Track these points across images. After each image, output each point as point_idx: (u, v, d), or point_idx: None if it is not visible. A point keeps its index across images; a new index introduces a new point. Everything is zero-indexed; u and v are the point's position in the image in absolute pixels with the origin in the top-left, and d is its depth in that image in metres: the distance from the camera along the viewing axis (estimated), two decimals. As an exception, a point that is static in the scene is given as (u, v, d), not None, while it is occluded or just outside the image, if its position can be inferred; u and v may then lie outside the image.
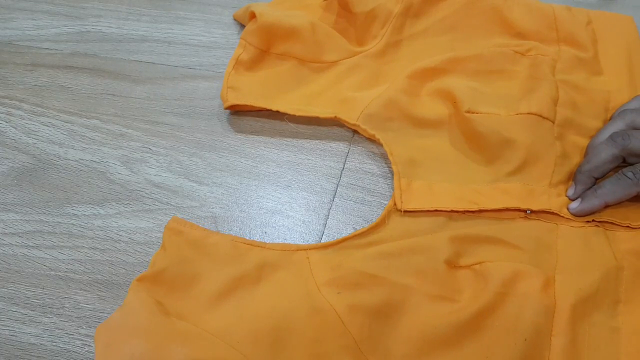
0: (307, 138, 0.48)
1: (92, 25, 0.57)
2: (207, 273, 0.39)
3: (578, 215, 0.41)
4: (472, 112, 0.45)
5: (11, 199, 0.45)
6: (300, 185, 0.46)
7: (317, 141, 0.48)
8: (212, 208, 0.44)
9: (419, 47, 0.52)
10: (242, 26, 0.56)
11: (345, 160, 0.47)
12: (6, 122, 0.50)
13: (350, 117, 0.47)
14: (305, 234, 0.43)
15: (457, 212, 0.42)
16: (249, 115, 0.50)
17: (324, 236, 0.43)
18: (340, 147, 0.48)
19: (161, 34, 0.56)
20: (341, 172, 0.46)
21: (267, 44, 0.51)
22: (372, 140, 0.47)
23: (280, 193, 0.45)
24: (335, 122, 0.48)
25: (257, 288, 0.38)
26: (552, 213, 0.41)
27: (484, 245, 0.40)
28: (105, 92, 0.52)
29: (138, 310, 0.36)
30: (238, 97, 0.49)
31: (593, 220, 0.41)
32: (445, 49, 0.51)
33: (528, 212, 0.41)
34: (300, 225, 0.44)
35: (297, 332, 0.36)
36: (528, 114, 0.45)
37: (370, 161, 0.47)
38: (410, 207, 0.42)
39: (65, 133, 0.49)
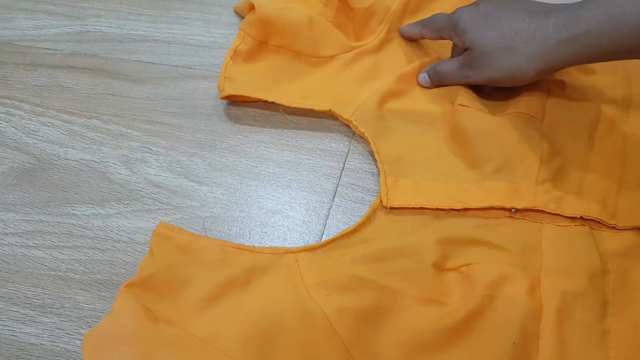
0: (307, 138, 0.48)
1: (92, 25, 0.57)
2: (195, 278, 0.39)
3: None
4: (464, 106, 0.46)
5: (11, 199, 0.45)
6: (300, 185, 0.46)
7: (317, 141, 0.48)
8: (212, 208, 0.44)
9: (416, 44, 0.52)
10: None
11: (345, 160, 0.47)
12: (6, 122, 0.50)
13: (344, 112, 0.47)
14: (305, 234, 0.43)
15: (442, 210, 0.42)
16: (249, 115, 0.50)
17: (324, 236, 0.43)
18: (340, 147, 0.48)
19: (161, 34, 0.56)
20: (341, 172, 0.46)
21: (265, 35, 0.51)
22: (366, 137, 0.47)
23: (280, 193, 0.45)
24: (331, 117, 0.49)
25: (246, 292, 0.38)
26: (538, 211, 0.41)
27: (470, 247, 0.40)
28: (105, 92, 0.52)
29: (126, 316, 0.36)
30: (234, 87, 0.49)
31: (581, 218, 0.41)
32: (442, 47, 0.52)
33: (512, 210, 0.41)
34: (300, 225, 0.44)
35: (287, 335, 0.36)
36: (516, 112, 0.45)
37: (370, 161, 0.47)
38: (396, 204, 0.42)
39: (65, 133, 0.49)
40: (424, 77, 0.49)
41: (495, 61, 0.44)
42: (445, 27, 0.47)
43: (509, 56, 0.43)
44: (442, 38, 0.49)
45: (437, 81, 0.48)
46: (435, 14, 0.49)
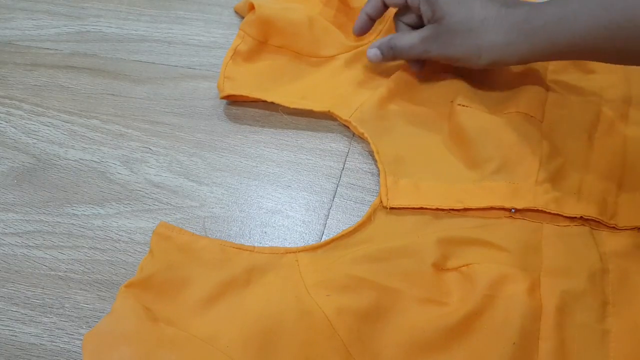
0: (307, 138, 0.48)
1: (92, 25, 0.57)
2: (195, 278, 0.39)
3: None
4: (464, 106, 0.46)
5: (11, 199, 0.45)
6: (300, 185, 0.46)
7: (317, 141, 0.48)
8: (212, 208, 0.44)
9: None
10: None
11: (345, 160, 0.47)
12: (6, 122, 0.50)
13: (343, 113, 0.47)
14: (305, 234, 0.43)
15: (442, 210, 0.42)
16: (249, 115, 0.50)
17: (324, 236, 0.43)
18: (340, 147, 0.48)
19: (161, 34, 0.56)
20: (341, 172, 0.46)
21: (265, 35, 0.51)
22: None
23: (280, 193, 0.45)
24: (331, 117, 0.49)
25: (246, 292, 0.38)
26: (538, 211, 0.41)
27: (470, 247, 0.40)
28: (105, 92, 0.52)
29: (126, 316, 0.36)
30: (234, 87, 0.49)
31: (581, 218, 0.41)
32: None
33: (512, 211, 0.41)
34: (300, 225, 0.44)
35: (287, 335, 0.36)
36: (516, 112, 0.45)
37: (370, 161, 0.47)
38: (396, 204, 0.42)
39: (65, 133, 0.49)
40: (374, 52, 0.47)
41: (459, 41, 0.44)
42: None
43: (472, 39, 0.43)
44: (405, 3, 0.47)
45: (392, 56, 0.47)
46: None
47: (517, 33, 0.41)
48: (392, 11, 0.51)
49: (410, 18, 0.48)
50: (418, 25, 0.48)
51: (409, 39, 0.46)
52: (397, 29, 0.49)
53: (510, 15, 0.42)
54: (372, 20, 0.50)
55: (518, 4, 0.43)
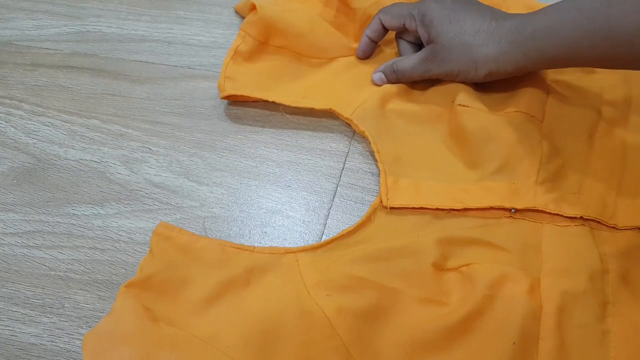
0: (307, 138, 0.48)
1: (92, 25, 0.57)
2: (195, 278, 0.39)
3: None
4: (464, 106, 0.46)
5: (11, 199, 0.45)
6: (300, 185, 0.46)
7: (317, 141, 0.48)
8: (212, 208, 0.44)
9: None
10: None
11: (345, 160, 0.47)
12: (6, 122, 0.50)
13: (345, 111, 0.47)
14: (305, 234, 0.43)
15: (442, 210, 0.42)
16: (249, 115, 0.50)
17: (323, 236, 0.43)
18: (340, 147, 0.48)
19: (161, 34, 0.56)
20: (341, 172, 0.46)
21: (266, 36, 0.51)
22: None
23: (280, 193, 0.45)
24: (331, 117, 0.49)
25: (246, 292, 0.38)
26: (538, 211, 0.41)
27: (470, 247, 0.40)
28: (105, 92, 0.52)
29: (126, 316, 0.36)
30: (235, 87, 0.49)
31: (581, 218, 0.41)
32: None
33: (512, 211, 0.41)
34: (300, 225, 0.44)
35: (287, 335, 0.36)
36: (516, 112, 0.45)
37: (370, 161, 0.47)
38: (396, 204, 0.42)
39: (65, 133, 0.49)
40: (379, 76, 0.49)
41: (455, 56, 0.45)
42: (410, 15, 0.47)
43: (467, 53, 0.45)
44: (404, 27, 0.49)
45: (395, 79, 0.49)
46: (394, 3, 0.50)
47: (508, 43, 0.43)
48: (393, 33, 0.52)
49: (410, 36, 0.50)
50: (419, 42, 0.49)
51: (409, 61, 0.48)
52: (399, 47, 0.51)
53: (501, 27, 0.43)
54: (374, 43, 0.51)
55: (508, 16, 0.44)
